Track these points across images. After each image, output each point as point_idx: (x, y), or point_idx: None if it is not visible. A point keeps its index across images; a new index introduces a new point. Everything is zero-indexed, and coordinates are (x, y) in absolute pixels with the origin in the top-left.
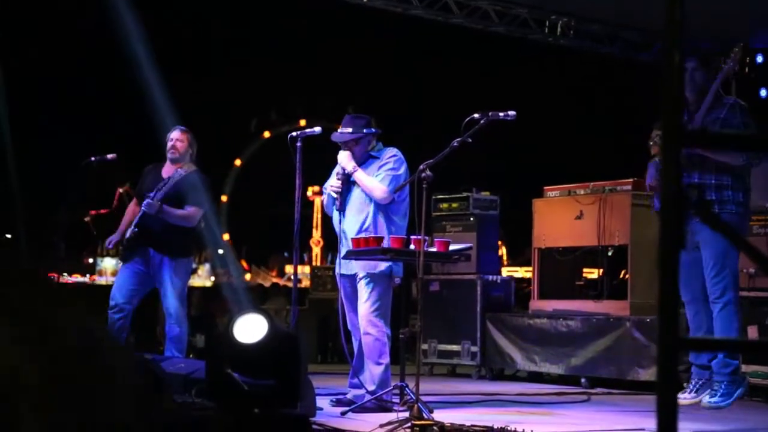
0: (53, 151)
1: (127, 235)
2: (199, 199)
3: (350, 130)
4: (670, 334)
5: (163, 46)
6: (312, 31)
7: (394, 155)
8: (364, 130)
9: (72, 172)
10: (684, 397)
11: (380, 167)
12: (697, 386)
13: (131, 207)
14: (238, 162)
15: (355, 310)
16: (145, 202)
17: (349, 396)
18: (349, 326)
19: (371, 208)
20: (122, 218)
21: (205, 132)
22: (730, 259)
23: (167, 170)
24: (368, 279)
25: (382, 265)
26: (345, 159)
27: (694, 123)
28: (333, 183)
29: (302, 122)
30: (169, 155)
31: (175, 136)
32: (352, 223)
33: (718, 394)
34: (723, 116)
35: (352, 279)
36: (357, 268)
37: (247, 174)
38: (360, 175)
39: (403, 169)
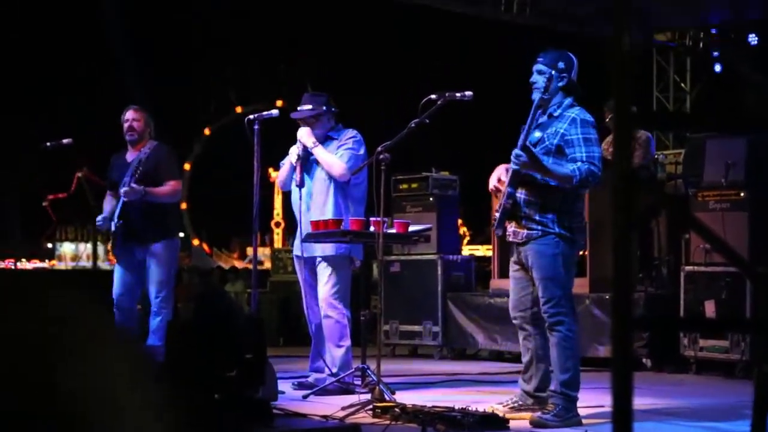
0: (6, 137)
1: (112, 228)
2: (174, 171)
3: (310, 107)
4: (625, 311)
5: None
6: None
7: (354, 136)
8: (324, 107)
9: (25, 158)
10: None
11: (339, 147)
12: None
13: (107, 200)
14: (207, 131)
15: (312, 293)
16: (122, 189)
17: (310, 379)
18: (305, 309)
19: (331, 189)
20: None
21: (165, 116)
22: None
23: (131, 154)
24: (327, 262)
25: (342, 248)
26: (305, 135)
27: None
28: (292, 160)
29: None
30: (127, 137)
31: (131, 117)
32: (311, 205)
33: (552, 413)
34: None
35: (311, 262)
36: (316, 251)
37: (210, 155)
38: (320, 151)
39: (362, 150)
